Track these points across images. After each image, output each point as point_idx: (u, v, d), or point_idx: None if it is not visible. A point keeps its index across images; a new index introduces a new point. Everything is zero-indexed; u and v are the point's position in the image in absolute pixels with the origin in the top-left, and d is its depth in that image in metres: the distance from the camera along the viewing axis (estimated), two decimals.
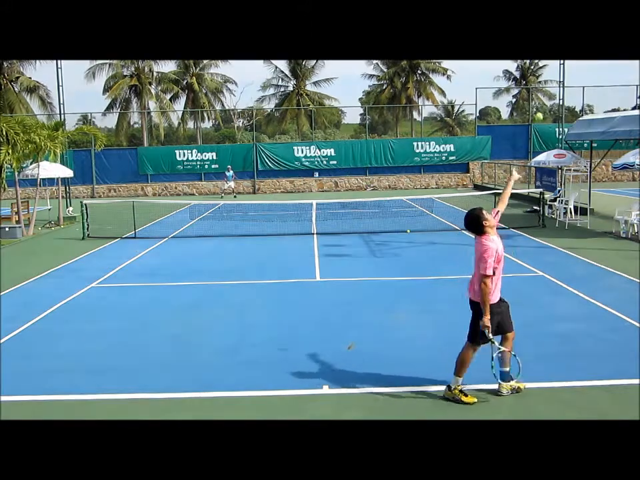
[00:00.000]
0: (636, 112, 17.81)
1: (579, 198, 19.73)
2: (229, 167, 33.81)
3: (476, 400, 6.02)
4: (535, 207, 20.84)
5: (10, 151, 18.16)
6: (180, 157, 35.92)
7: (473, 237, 6.20)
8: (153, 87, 46.55)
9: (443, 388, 6.32)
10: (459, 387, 6.07)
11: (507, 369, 6.20)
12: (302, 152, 36.22)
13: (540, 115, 5.96)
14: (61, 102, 24.63)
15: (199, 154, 36.07)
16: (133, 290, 11.58)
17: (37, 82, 42.18)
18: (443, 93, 52.98)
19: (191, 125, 53.17)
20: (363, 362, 7.23)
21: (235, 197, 32.60)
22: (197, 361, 7.54)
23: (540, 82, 56.27)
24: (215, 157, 35.91)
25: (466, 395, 6.04)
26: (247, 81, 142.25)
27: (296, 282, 11.71)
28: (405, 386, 6.48)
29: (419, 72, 51.69)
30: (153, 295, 11.08)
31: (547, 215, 19.66)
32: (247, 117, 55.95)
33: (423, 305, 9.80)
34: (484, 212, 6.10)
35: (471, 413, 5.80)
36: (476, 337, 6.00)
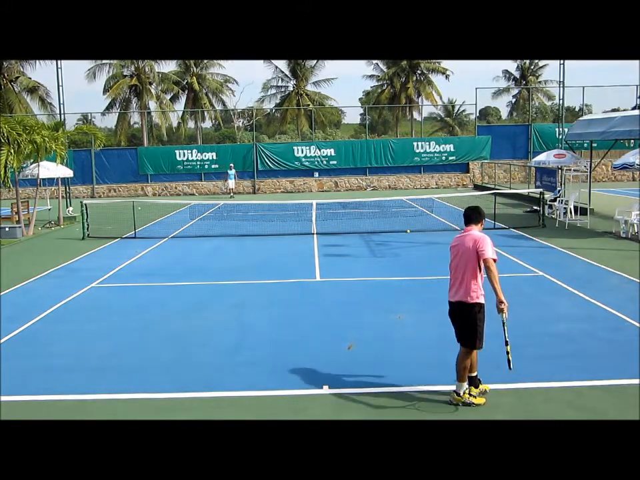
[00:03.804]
0: (636, 112, 17.82)
1: (579, 198, 19.73)
2: (231, 165, 33.64)
3: (485, 400, 6.02)
4: (535, 207, 20.84)
5: (12, 151, 18.15)
6: (180, 157, 35.92)
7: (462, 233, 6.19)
8: (153, 87, 46.52)
9: (443, 388, 6.33)
10: (468, 390, 6.05)
11: (475, 374, 6.19)
12: (302, 152, 36.22)
13: None
14: (61, 102, 24.64)
15: (199, 154, 36.06)
16: (133, 290, 11.58)
17: (37, 82, 42.17)
18: (442, 93, 53.08)
19: (191, 124, 53.18)
20: (362, 362, 7.23)
21: (231, 196, 32.39)
22: (197, 361, 7.54)
23: (540, 82, 56.25)
24: (215, 157, 35.91)
25: (475, 397, 6.03)
26: (247, 81, 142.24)
27: (296, 282, 11.71)
28: (405, 386, 6.48)
29: (419, 72, 51.67)
30: (153, 295, 11.08)
31: (547, 215, 19.66)
32: (247, 117, 55.95)
33: (422, 305, 9.80)
34: None
35: (471, 413, 5.80)
36: (476, 340, 5.95)
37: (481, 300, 5.95)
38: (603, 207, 21.36)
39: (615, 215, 16.89)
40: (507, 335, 5.85)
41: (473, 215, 6.13)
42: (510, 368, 5.85)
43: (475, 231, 6.05)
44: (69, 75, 70.06)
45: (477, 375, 6.19)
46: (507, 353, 5.83)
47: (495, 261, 5.82)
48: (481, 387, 6.21)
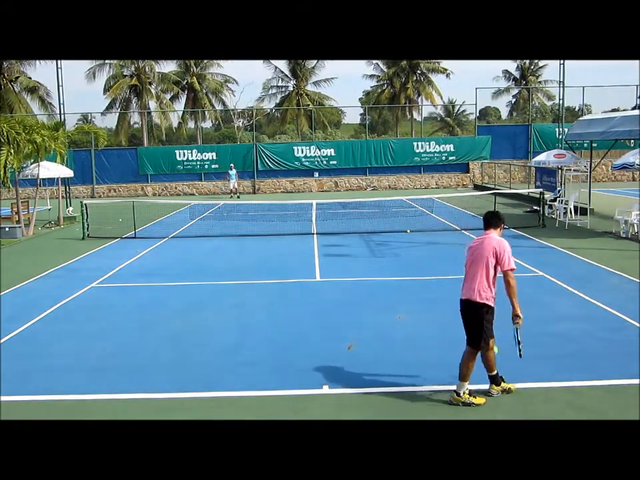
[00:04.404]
0: (636, 112, 17.82)
1: (578, 198, 19.73)
2: (232, 165, 33.65)
3: (485, 400, 6.01)
4: (535, 207, 20.84)
5: (12, 151, 18.15)
6: (180, 157, 35.90)
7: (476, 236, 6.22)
8: (153, 86, 46.52)
9: (443, 388, 6.33)
10: (468, 390, 6.04)
11: (495, 372, 6.21)
12: (302, 152, 36.21)
13: (496, 349, 6.02)
14: (61, 102, 24.63)
15: (199, 154, 36.05)
16: (133, 290, 11.58)
17: (37, 82, 42.16)
18: (441, 93, 53.05)
19: (191, 124, 53.17)
20: (363, 362, 7.23)
21: (234, 197, 32.45)
22: (197, 360, 7.54)
23: (540, 82, 56.23)
24: (215, 157, 35.90)
25: (475, 397, 6.02)
26: (247, 81, 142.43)
27: (296, 282, 11.71)
28: (405, 386, 6.48)
29: (419, 72, 51.67)
30: (153, 294, 11.08)
31: (547, 215, 19.66)
32: (247, 117, 55.95)
33: (422, 305, 9.80)
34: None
35: (471, 413, 5.80)
36: (481, 341, 5.96)
37: (490, 302, 5.97)
38: (603, 207, 21.35)
39: (615, 215, 16.89)
40: (518, 336, 6.01)
41: (492, 220, 6.25)
42: (520, 356, 6.05)
43: (495, 234, 6.14)
44: (68, 75, 70.14)
45: (497, 373, 6.22)
46: (518, 342, 6.01)
47: (512, 270, 5.93)
48: (503, 385, 6.23)
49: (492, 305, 5.99)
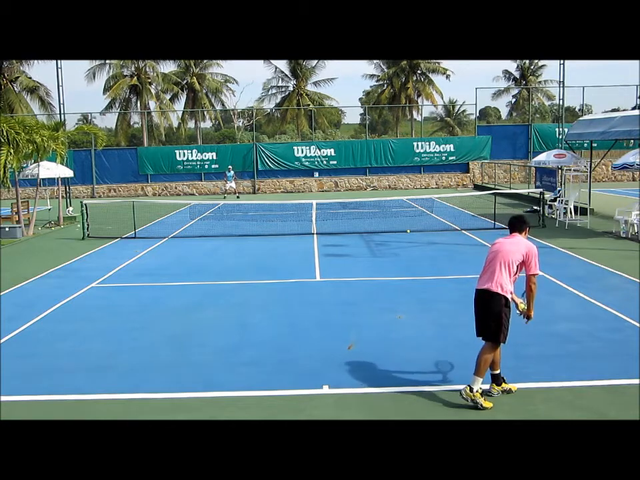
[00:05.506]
0: (636, 112, 17.81)
1: (578, 198, 19.73)
2: (230, 167, 33.73)
3: (492, 405, 5.94)
4: (535, 207, 20.85)
5: (12, 151, 18.15)
6: (180, 157, 35.91)
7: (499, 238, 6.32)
8: (153, 86, 46.52)
9: (443, 388, 6.33)
10: (481, 390, 5.97)
11: (498, 372, 6.21)
12: (302, 152, 36.21)
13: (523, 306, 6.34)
14: (61, 102, 24.64)
15: (199, 154, 36.05)
16: (133, 290, 11.57)
17: (37, 82, 42.16)
18: (442, 93, 53.04)
19: (191, 125, 53.18)
20: (363, 362, 7.23)
21: (237, 197, 32.48)
22: (197, 361, 7.54)
23: (540, 82, 56.23)
24: (214, 157, 35.91)
25: (485, 399, 5.95)
26: (247, 81, 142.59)
27: (296, 282, 11.71)
28: (405, 386, 6.48)
29: (419, 72, 51.67)
30: (153, 295, 11.08)
31: (547, 215, 19.66)
32: (247, 117, 55.93)
33: (422, 305, 9.80)
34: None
35: (471, 413, 5.80)
36: (500, 334, 5.92)
37: (508, 296, 5.98)
38: (603, 207, 21.36)
39: (615, 214, 16.89)
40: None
41: (517, 224, 6.29)
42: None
43: (522, 237, 6.17)
44: (68, 75, 70.17)
45: (499, 373, 6.21)
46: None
47: (536, 275, 6.02)
48: (504, 385, 6.22)
49: (509, 298, 6.00)
